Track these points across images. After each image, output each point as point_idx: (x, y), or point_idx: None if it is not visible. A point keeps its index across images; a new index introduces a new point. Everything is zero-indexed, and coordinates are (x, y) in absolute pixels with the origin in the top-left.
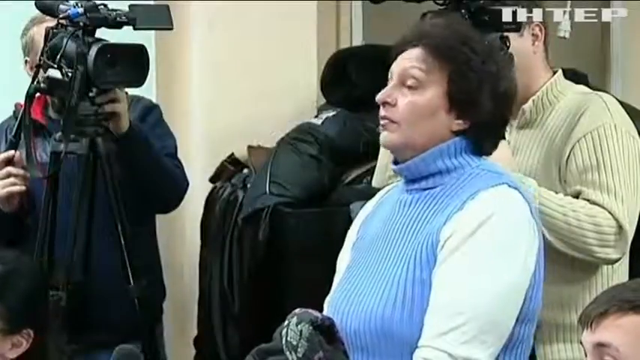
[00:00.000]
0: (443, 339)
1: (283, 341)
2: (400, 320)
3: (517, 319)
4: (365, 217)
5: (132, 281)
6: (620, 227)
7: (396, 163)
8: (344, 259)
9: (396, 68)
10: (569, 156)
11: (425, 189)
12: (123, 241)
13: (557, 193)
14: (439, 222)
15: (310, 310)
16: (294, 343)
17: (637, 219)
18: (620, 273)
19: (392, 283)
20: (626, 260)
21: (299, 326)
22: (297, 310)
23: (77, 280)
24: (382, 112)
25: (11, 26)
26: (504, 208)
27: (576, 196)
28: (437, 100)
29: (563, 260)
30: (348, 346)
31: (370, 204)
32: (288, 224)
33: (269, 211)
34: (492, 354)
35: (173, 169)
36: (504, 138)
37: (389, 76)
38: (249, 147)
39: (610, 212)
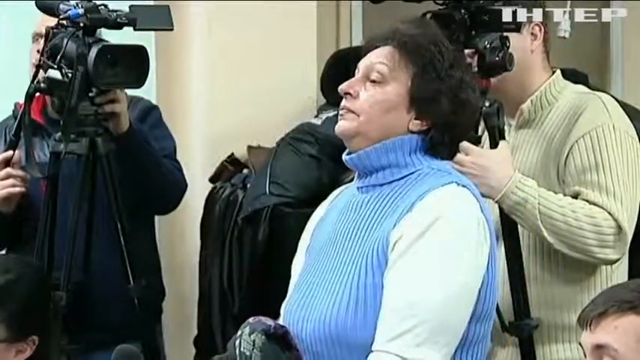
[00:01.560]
0: (395, 343)
1: (237, 352)
2: (354, 325)
3: (472, 319)
4: (318, 219)
5: (132, 281)
6: (619, 228)
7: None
8: (298, 263)
9: (363, 62)
10: (567, 156)
11: (375, 185)
12: (123, 241)
13: (556, 193)
14: (389, 224)
15: (263, 319)
16: (248, 353)
17: (636, 219)
18: (619, 273)
19: (344, 288)
20: (625, 260)
21: (252, 336)
22: (250, 320)
23: (77, 280)
24: (343, 102)
25: (11, 26)
26: (452, 208)
27: (575, 196)
28: (398, 96)
29: (562, 261)
30: (303, 353)
31: (323, 206)
32: (288, 224)
33: (269, 211)
34: (446, 354)
35: (172, 170)
36: (477, 142)
37: (356, 71)
38: (249, 147)
39: (609, 213)
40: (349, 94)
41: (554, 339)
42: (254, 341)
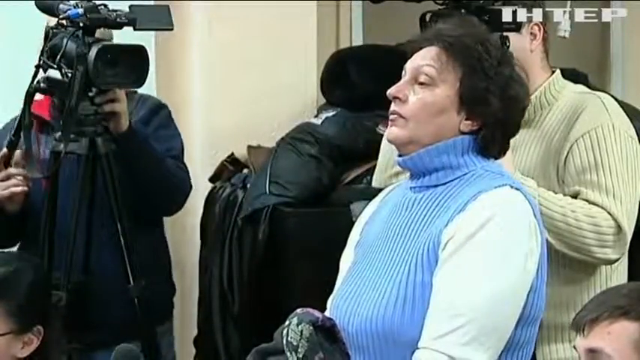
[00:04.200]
0: (442, 341)
1: (284, 341)
2: (401, 322)
3: (519, 322)
4: (368, 216)
5: (132, 281)
6: (619, 228)
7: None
8: (347, 258)
9: (409, 65)
10: (567, 156)
11: (428, 186)
12: (123, 241)
13: (555, 193)
14: (441, 223)
15: (311, 311)
16: (295, 343)
17: (635, 219)
18: (619, 273)
19: (393, 285)
20: (625, 260)
21: (300, 326)
22: (298, 310)
23: (77, 279)
24: (392, 106)
25: (12, 26)
26: (505, 209)
27: (575, 196)
28: (447, 98)
29: (562, 260)
30: (349, 346)
31: (374, 203)
32: (288, 224)
33: (269, 211)
34: (492, 356)
35: (175, 171)
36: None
37: (402, 73)
38: (249, 147)
39: (609, 213)
40: (398, 98)
41: (554, 339)
42: (301, 331)
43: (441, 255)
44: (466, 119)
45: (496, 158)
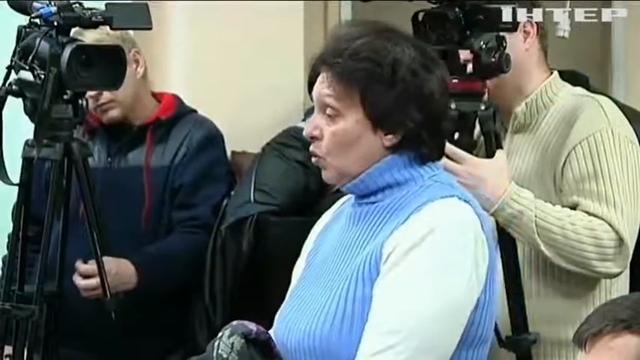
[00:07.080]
0: (377, 358)
1: (214, 354)
2: (339, 339)
3: (464, 344)
4: (323, 227)
5: (108, 294)
6: (620, 240)
7: None
8: (299, 269)
9: (314, 95)
10: (564, 164)
11: (374, 202)
12: (99, 252)
13: (552, 202)
14: (384, 236)
15: (246, 323)
16: (225, 356)
17: (637, 229)
18: (619, 286)
19: (332, 300)
20: (626, 272)
21: (231, 339)
22: (233, 322)
23: (51, 291)
24: (311, 148)
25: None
26: (449, 221)
27: (574, 207)
28: (357, 124)
29: (559, 275)
30: None
31: (328, 214)
32: (274, 234)
33: (253, 221)
34: None
35: (183, 260)
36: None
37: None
38: (233, 153)
39: (610, 224)
40: (315, 137)
41: (552, 355)
42: (232, 344)
43: (381, 268)
44: (385, 135)
45: (435, 159)
